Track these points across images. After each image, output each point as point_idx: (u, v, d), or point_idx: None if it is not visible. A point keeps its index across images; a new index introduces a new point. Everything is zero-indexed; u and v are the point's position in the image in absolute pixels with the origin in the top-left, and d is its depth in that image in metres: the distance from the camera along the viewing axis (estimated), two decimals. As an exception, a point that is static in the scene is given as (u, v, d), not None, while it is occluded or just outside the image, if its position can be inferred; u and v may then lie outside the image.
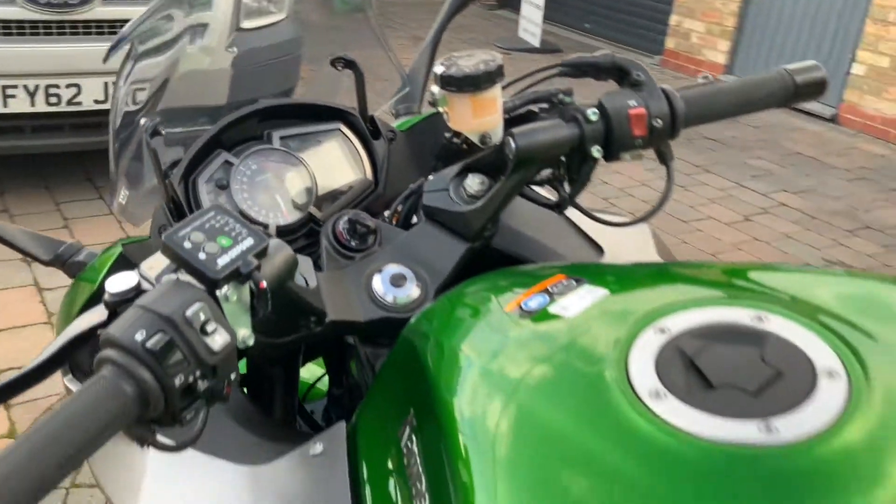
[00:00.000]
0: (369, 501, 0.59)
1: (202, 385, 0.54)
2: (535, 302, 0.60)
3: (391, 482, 0.59)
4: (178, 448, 0.57)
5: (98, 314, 0.61)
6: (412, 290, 0.76)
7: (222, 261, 0.56)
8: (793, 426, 0.44)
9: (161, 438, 0.56)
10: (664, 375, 0.50)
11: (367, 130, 0.94)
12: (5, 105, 2.85)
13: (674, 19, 6.56)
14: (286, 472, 0.64)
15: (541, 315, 0.58)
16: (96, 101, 3.00)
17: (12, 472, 0.46)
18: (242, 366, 0.77)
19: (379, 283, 0.76)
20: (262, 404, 0.88)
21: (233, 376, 0.56)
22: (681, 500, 0.43)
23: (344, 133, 0.94)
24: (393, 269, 0.77)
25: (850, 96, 5.43)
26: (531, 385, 0.52)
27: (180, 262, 0.56)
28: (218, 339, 0.54)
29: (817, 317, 0.52)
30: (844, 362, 0.49)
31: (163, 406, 0.53)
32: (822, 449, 0.43)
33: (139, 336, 0.51)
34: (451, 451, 0.52)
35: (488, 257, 0.81)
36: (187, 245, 0.56)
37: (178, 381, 0.52)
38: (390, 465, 0.59)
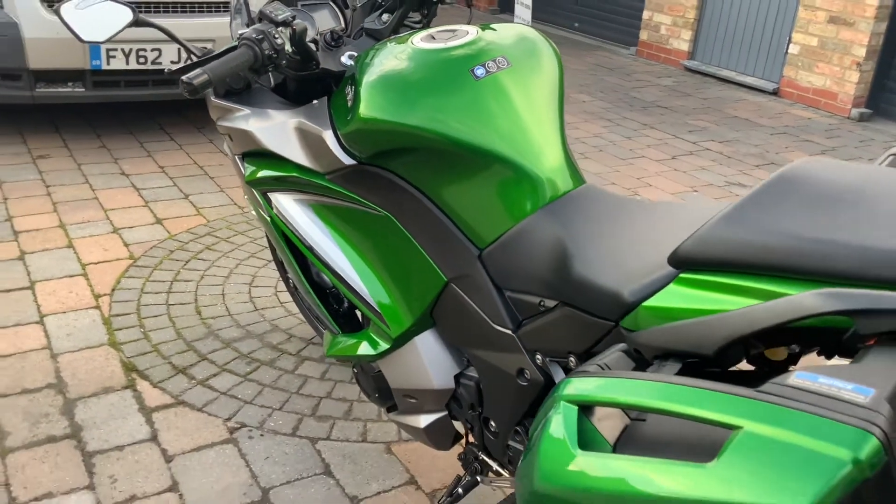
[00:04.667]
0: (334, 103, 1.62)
1: (274, 56, 1.56)
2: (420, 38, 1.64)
3: (342, 100, 1.61)
4: (266, 87, 1.61)
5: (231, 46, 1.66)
6: None
7: (280, 17, 1.59)
8: (449, 42, 1.48)
9: (257, 83, 1.60)
10: (424, 40, 1.52)
11: (341, 5, 1.98)
12: (108, 63, 3.94)
13: (646, 14, 7.56)
14: (305, 110, 1.67)
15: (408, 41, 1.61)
16: (172, 62, 4.08)
17: (215, 67, 1.49)
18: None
19: (344, 58, 1.79)
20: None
21: (284, 62, 1.59)
22: (424, 66, 1.45)
23: (331, 5, 1.99)
24: (350, 52, 1.80)
25: (788, 72, 6.39)
26: (390, 53, 1.55)
27: (268, 18, 1.59)
28: (279, 40, 1.57)
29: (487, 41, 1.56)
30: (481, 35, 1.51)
31: (260, 62, 1.56)
32: (466, 46, 1.46)
33: (254, 35, 1.54)
34: (359, 69, 1.54)
35: None
36: (268, 10, 1.60)
37: (266, 52, 1.55)
38: (341, 97, 1.62)
